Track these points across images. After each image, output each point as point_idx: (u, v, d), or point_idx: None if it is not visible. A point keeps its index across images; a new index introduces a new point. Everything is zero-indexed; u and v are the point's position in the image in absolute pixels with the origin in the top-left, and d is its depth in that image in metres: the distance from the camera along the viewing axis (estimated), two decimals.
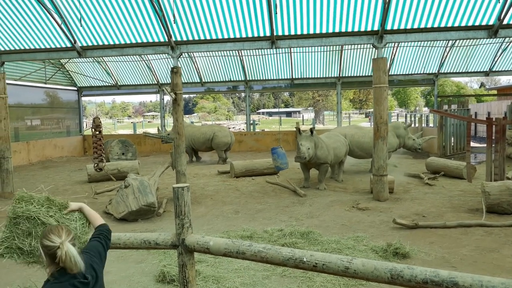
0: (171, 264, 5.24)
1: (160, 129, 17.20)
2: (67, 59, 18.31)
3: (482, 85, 61.54)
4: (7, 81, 10.76)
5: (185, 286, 2.81)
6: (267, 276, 4.98)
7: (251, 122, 22.08)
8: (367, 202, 8.72)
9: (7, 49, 10.58)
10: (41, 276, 2.41)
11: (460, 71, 19.18)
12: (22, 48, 10.56)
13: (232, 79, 20.46)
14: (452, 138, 15.57)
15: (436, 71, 19.13)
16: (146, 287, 4.86)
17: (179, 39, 9.68)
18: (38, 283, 4.84)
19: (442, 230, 6.60)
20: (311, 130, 9.85)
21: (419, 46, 17.72)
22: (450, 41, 17.25)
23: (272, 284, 4.75)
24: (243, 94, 22.84)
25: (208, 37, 9.68)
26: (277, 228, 6.86)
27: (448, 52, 18.08)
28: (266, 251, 2.44)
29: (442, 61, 18.60)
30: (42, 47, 10.48)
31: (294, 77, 19.94)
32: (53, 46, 10.44)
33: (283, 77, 20.10)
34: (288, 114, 71.74)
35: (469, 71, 19.17)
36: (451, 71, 19.30)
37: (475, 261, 5.29)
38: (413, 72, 19.39)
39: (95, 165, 10.63)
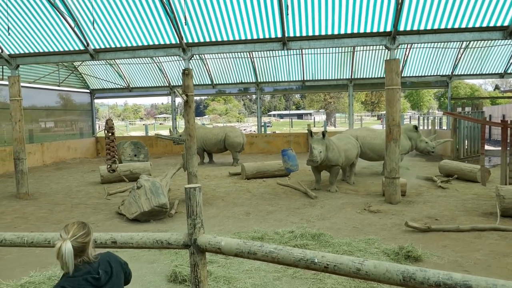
0: (183, 264, 5.27)
1: (171, 130, 17.31)
2: (80, 62, 18.55)
3: (496, 87, 60.66)
4: (22, 84, 10.92)
5: (197, 286, 2.82)
6: (278, 277, 4.97)
7: (263, 124, 22.07)
8: (379, 204, 8.66)
9: (22, 52, 10.76)
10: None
11: (474, 73, 18.95)
12: (36, 51, 10.72)
13: (243, 81, 20.51)
14: (466, 141, 15.37)
15: (450, 73, 18.93)
16: (158, 286, 4.88)
17: (190, 41, 9.74)
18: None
19: (455, 233, 6.51)
20: (323, 133, 9.82)
21: (433, 47, 17.57)
22: (464, 43, 17.06)
23: (283, 286, 4.74)
24: (254, 96, 22.83)
25: (219, 39, 9.72)
26: (288, 229, 6.85)
27: (462, 53, 17.88)
28: (277, 252, 2.44)
29: (456, 63, 18.40)
30: (56, 50, 10.63)
31: (305, 78, 19.91)
32: (66, 49, 10.58)
33: (294, 79, 20.08)
34: (299, 116, 71.56)
35: (484, 73, 18.93)
36: (465, 73, 19.08)
37: (489, 265, 5.21)
38: (426, 74, 19.22)
39: (108, 166, 10.75)
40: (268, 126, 42.86)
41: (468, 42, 16.75)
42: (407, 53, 18.00)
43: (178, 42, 9.69)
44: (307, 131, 10.08)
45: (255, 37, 9.64)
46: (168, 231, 7.31)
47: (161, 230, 7.45)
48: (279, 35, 9.45)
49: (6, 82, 10.91)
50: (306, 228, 6.82)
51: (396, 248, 5.67)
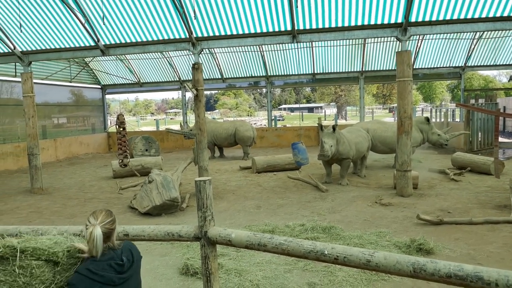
0: (194, 257, 5.31)
1: (182, 125, 17.38)
2: (91, 58, 18.70)
3: (511, 78, 59.59)
4: (34, 81, 11.05)
5: (208, 277, 2.85)
6: (288, 270, 4.99)
7: (273, 117, 22.04)
8: (390, 197, 8.61)
9: (34, 49, 10.87)
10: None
11: (488, 64, 18.64)
12: (48, 47, 10.83)
13: (253, 75, 20.47)
14: (480, 133, 15.16)
15: (463, 64, 18.65)
16: (170, 279, 4.94)
17: (199, 35, 9.74)
18: None
19: (468, 226, 6.45)
20: (334, 127, 9.77)
21: (445, 38, 17.32)
22: (478, 33, 16.78)
23: (293, 278, 4.75)
24: (264, 90, 22.78)
25: (228, 33, 9.71)
26: (298, 223, 6.85)
27: (476, 44, 17.60)
28: (287, 244, 2.45)
29: (469, 54, 18.12)
30: (67, 46, 10.73)
31: (315, 71, 19.80)
32: (77, 45, 10.66)
33: (304, 72, 19.98)
34: (310, 109, 71.25)
35: (498, 64, 18.61)
36: (479, 64, 18.78)
37: (502, 258, 5.15)
38: (438, 66, 18.96)
39: (120, 161, 10.84)
40: (279, 120, 42.88)
41: (481, 32, 16.46)
42: (419, 44, 17.77)
43: (188, 36, 9.70)
44: (317, 125, 10.02)
45: (264, 30, 9.60)
46: (180, 225, 7.36)
47: (172, 223, 7.51)
48: (289, 28, 9.39)
49: (19, 79, 11.05)
50: (317, 221, 6.82)
51: (407, 240, 5.64)
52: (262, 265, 5.12)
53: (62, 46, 10.77)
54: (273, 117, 22.03)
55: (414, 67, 18.82)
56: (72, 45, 10.70)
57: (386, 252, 2.14)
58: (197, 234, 2.82)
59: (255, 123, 38.82)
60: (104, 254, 2.29)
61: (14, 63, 12.80)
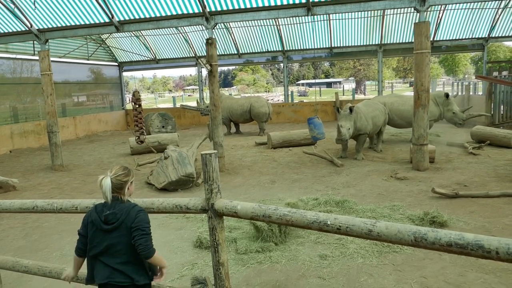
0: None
1: (199, 102, 17.43)
2: (107, 35, 18.75)
3: None
4: (52, 59, 11.18)
5: (216, 248, 2.91)
6: (301, 242, 5.05)
7: (298, 93, 21.86)
8: (406, 171, 8.53)
9: (50, 26, 10.96)
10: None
11: None
12: (63, 25, 10.89)
13: (269, 50, 20.23)
14: (502, 106, 14.74)
15: (486, 36, 17.97)
16: (185, 251, 5.06)
17: (213, 9, 9.63)
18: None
19: (484, 199, 6.36)
20: (350, 109, 9.60)
21: (468, 8, 16.66)
22: (503, 2, 16.06)
23: (306, 250, 4.81)
24: (282, 65, 22.54)
25: (242, 6, 9.57)
26: (312, 197, 6.88)
27: (500, 14, 16.87)
28: (291, 215, 2.47)
29: (493, 24, 17.42)
30: (82, 23, 10.77)
31: (333, 45, 19.43)
32: (92, 22, 10.69)
33: (321, 46, 19.62)
34: (328, 84, 70.25)
35: None
36: (504, 35, 18.03)
37: None
38: (461, 37, 18.32)
39: (136, 138, 10.99)
40: (305, 96, 42.79)
41: (507, 0, 15.77)
42: (440, 15, 17.17)
43: (201, 11, 9.61)
44: (334, 107, 9.85)
45: (278, 3, 9.42)
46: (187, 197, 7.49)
47: None
48: (303, 0, 9.19)
49: (38, 58, 11.21)
50: (331, 195, 6.83)
51: (421, 214, 5.62)
52: None
53: (77, 23, 10.81)
54: (298, 93, 21.84)
55: (435, 39, 18.26)
56: (87, 22, 10.73)
57: (388, 222, 2.14)
58: (204, 206, 2.87)
59: (272, 99, 38.64)
60: (113, 203, 2.62)
61: (32, 42, 12.94)
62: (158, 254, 2.63)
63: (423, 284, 3.89)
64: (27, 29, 10.86)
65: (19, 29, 11.15)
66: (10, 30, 11.28)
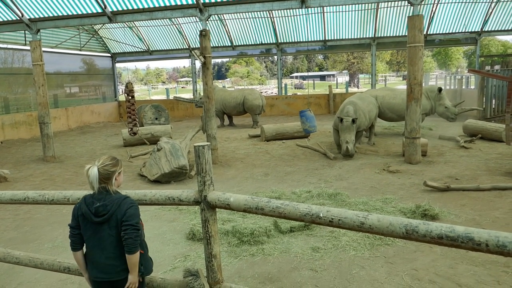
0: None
1: (194, 94, 17.33)
2: (100, 25, 18.55)
3: None
4: (44, 49, 11.04)
5: (208, 240, 2.92)
6: (294, 235, 5.07)
7: (294, 86, 21.86)
8: (399, 165, 8.59)
9: (41, 16, 10.80)
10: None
11: (507, 28, 17.95)
12: (55, 15, 10.75)
13: (263, 42, 20.15)
14: (494, 100, 14.84)
15: (479, 29, 18.04)
16: (177, 243, 5.07)
17: (207, 0, 9.55)
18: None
19: (475, 192, 6.43)
20: (353, 120, 9.28)
21: (461, 2, 16.70)
22: None
23: (298, 243, 4.83)
24: (275, 58, 22.47)
25: None
26: (305, 189, 6.91)
27: (493, 8, 16.92)
28: (284, 207, 2.48)
29: (486, 18, 17.49)
30: (74, 13, 10.63)
31: (327, 38, 19.39)
32: (84, 12, 10.56)
33: (315, 39, 19.59)
34: (322, 77, 70.18)
35: None
36: (496, 29, 18.12)
37: (507, 223, 5.15)
38: (454, 31, 18.38)
39: (129, 129, 10.93)
40: (301, 88, 42.79)
41: None
42: (434, 9, 17.19)
43: (195, 2, 9.52)
44: (337, 118, 9.68)
45: None
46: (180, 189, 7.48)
47: None
48: None
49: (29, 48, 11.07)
50: (324, 188, 6.87)
51: (413, 206, 5.66)
52: None
53: (70, 13, 10.68)
54: (293, 86, 21.83)
55: (428, 33, 18.30)
56: (80, 12, 10.60)
57: (380, 215, 2.15)
58: (197, 198, 2.87)
59: (265, 92, 38.57)
60: (100, 193, 2.59)
61: (23, 31, 12.77)
62: (138, 257, 2.60)
63: (414, 276, 3.93)
64: (18, 18, 10.71)
65: (10, 19, 10.99)
66: (1, 20, 11.11)
